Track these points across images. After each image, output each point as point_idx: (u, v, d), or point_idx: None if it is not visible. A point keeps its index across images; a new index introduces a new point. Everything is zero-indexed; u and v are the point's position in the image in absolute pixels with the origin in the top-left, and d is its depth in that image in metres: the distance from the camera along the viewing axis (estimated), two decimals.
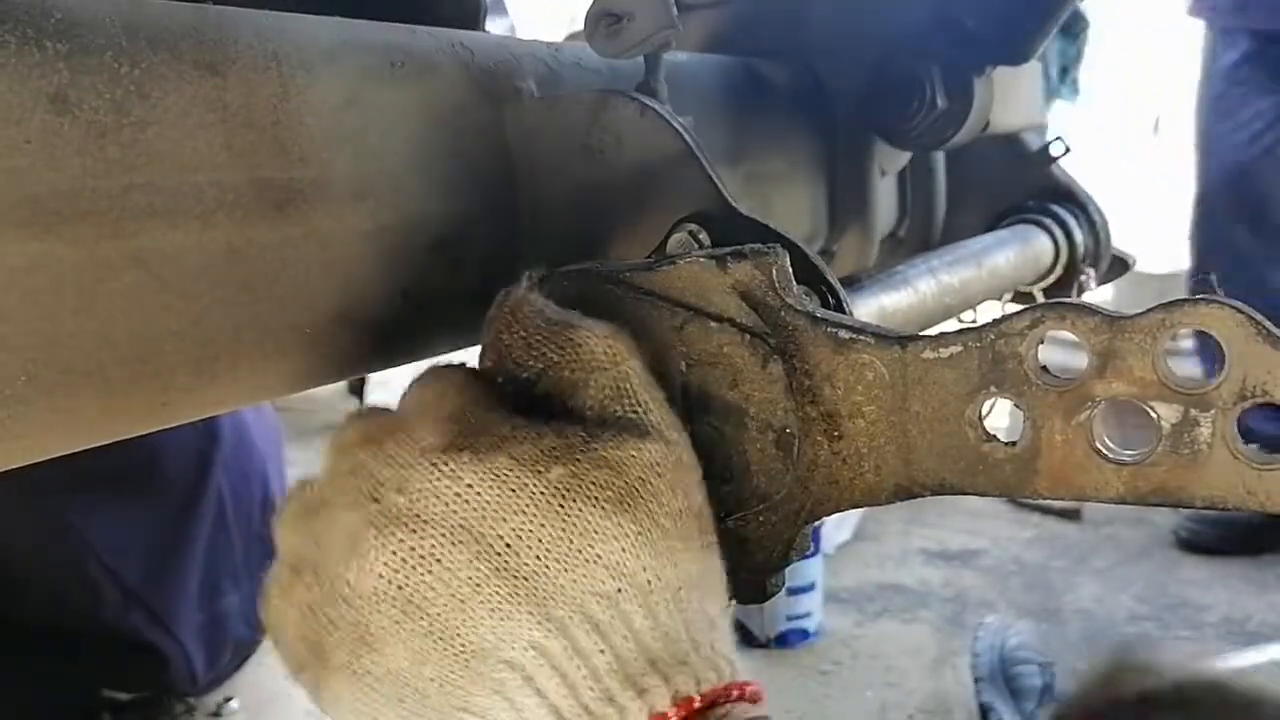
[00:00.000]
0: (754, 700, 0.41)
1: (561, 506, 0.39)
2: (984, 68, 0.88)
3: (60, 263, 0.38)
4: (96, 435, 0.43)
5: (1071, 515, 2.58)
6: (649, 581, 0.40)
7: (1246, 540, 2.30)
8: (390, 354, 0.54)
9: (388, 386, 3.14)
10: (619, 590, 0.39)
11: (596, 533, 0.39)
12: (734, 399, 0.47)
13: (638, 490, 0.40)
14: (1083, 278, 1.09)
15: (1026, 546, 2.42)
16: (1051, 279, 1.07)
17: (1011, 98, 0.93)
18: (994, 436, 0.43)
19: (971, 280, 0.85)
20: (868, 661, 1.92)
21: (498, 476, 0.39)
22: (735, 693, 0.40)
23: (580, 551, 0.39)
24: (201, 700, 1.73)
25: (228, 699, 1.74)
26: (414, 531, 0.39)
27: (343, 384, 3.33)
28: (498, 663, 0.38)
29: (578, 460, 0.40)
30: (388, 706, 0.39)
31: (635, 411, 0.42)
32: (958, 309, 0.84)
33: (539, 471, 0.39)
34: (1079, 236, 1.08)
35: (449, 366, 0.45)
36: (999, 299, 1.02)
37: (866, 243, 0.93)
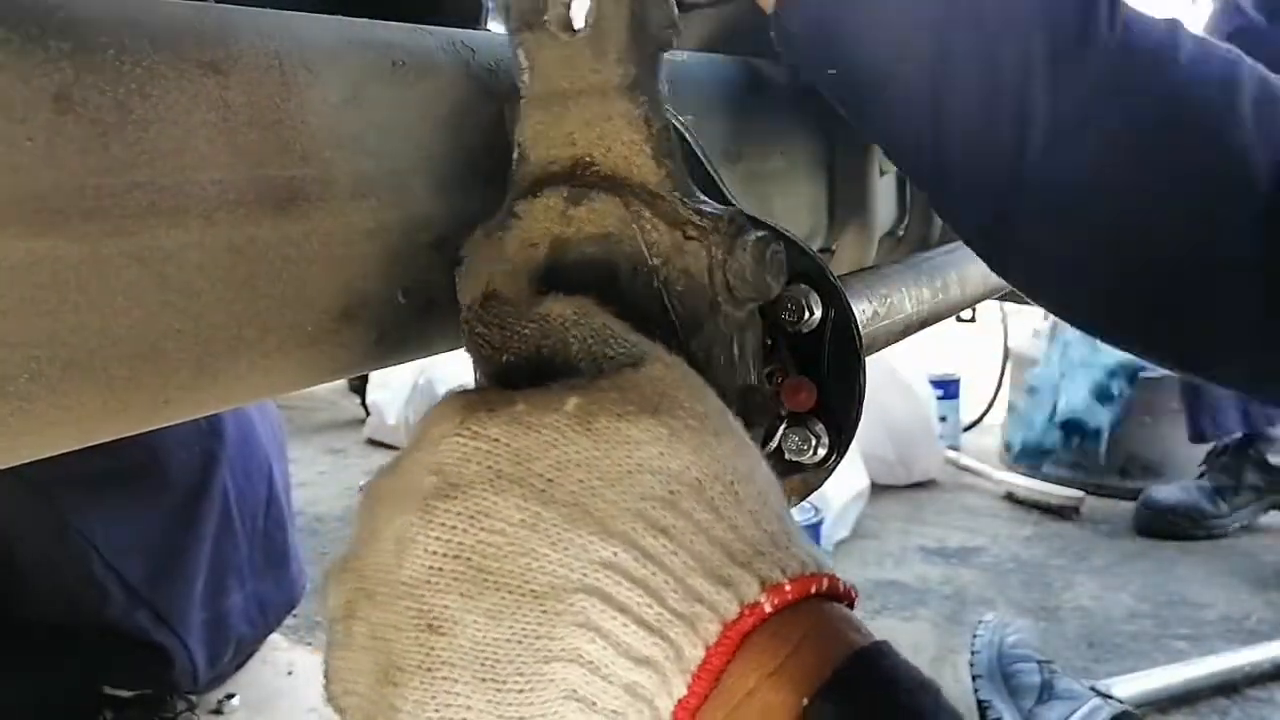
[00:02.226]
0: (850, 602, 0.40)
1: (588, 427, 0.39)
2: None
3: (62, 260, 0.38)
4: (98, 432, 0.43)
5: (1070, 513, 2.58)
6: (698, 479, 0.39)
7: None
8: (391, 352, 0.54)
9: (388, 386, 3.15)
10: (671, 492, 0.38)
11: (630, 441, 0.39)
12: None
13: (657, 400, 0.40)
14: None
15: (1025, 544, 2.43)
16: None
17: None
18: None
19: (970, 279, 0.85)
20: None
21: (519, 422, 0.39)
22: (828, 584, 0.39)
23: (620, 463, 0.38)
24: (203, 698, 1.73)
25: (229, 696, 1.74)
26: (454, 499, 0.38)
27: (344, 382, 3.34)
28: (573, 593, 0.37)
29: (587, 388, 0.40)
30: (472, 691, 0.37)
31: (624, 347, 0.43)
32: (957, 307, 0.84)
33: (556, 407, 0.39)
34: None
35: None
36: (998, 297, 1.02)
37: (866, 241, 0.93)
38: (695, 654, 0.36)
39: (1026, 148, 0.58)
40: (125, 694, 1.64)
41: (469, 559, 0.38)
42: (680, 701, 0.36)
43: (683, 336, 0.47)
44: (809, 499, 0.56)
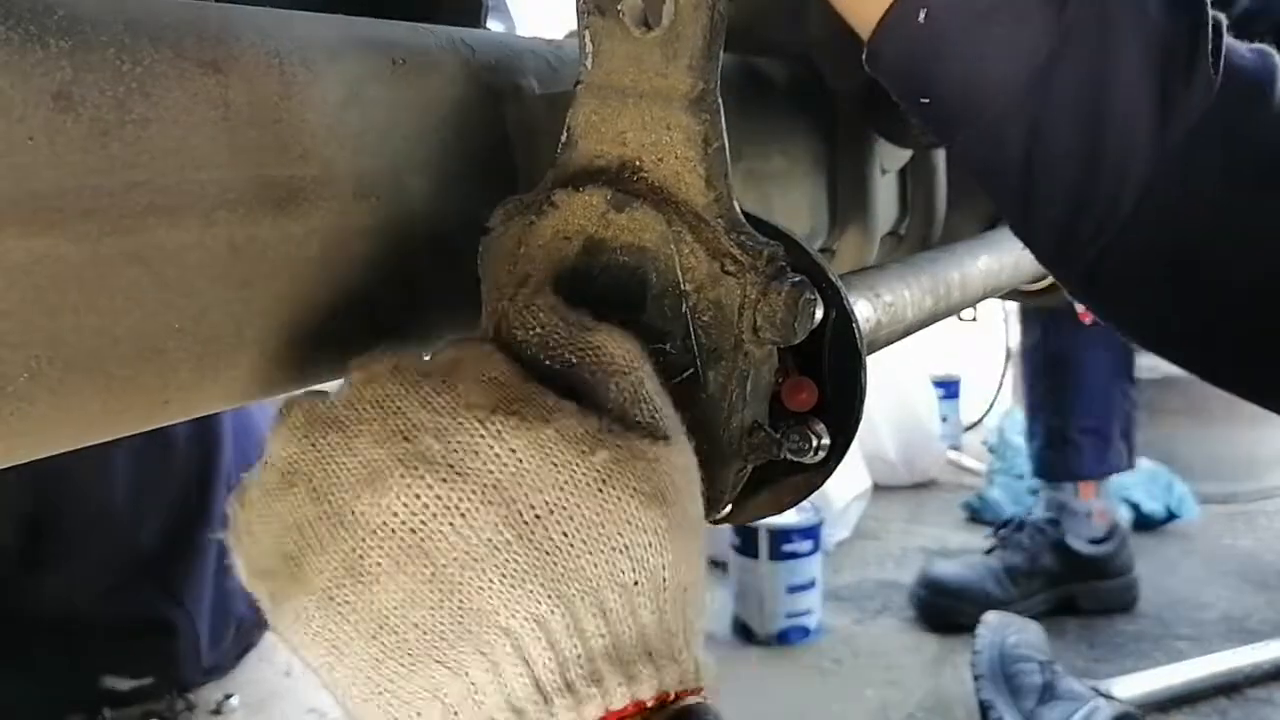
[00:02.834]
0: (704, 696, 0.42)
1: (601, 490, 0.39)
2: None
3: (62, 260, 0.38)
4: (98, 432, 0.43)
5: None
6: (664, 579, 0.40)
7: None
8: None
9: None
10: (636, 583, 0.39)
11: (630, 522, 0.39)
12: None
13: (669, 489, 0.41)
14: None
15: None
16: (1051, 278, 1.08)
17: None
18: None
19: (971, 278, 0.85)
20: (868, 659, 1.92)
21: (543, 448, 0.39)
22: (703, 693, 0.41)
23: (610, 538, 0.39)
24: (202, 697, 1.73)
25: (228, 696, 1.74)
26: (444, 480, 0.38)
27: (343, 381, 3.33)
28: (493, 626, 0.38)
29: (619, 448, 0.40)
30: (359, 640, 0.38)
31: (654, 416, 0.43)
32: (957, 307, 0.84)
33: (584, 452, 0.39)
34: None
35: (480, 338, 0.45)
36: (999, 297, 1.02)
37: (867, 241, 0.93)
38: None
39: (1124, 189, 0.58)
40: (124, 687, 1.65)
41: (420, 542, 0.38)
42: None
43: (700, 365, 0.47)
44: (809, 499, 0.56)
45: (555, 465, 0.39)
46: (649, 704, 0.38)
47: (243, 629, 1.76)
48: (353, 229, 0.49)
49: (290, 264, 0.47)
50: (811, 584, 1.99)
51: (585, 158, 0.49)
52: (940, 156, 1.03)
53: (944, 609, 2.04)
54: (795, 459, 0.51)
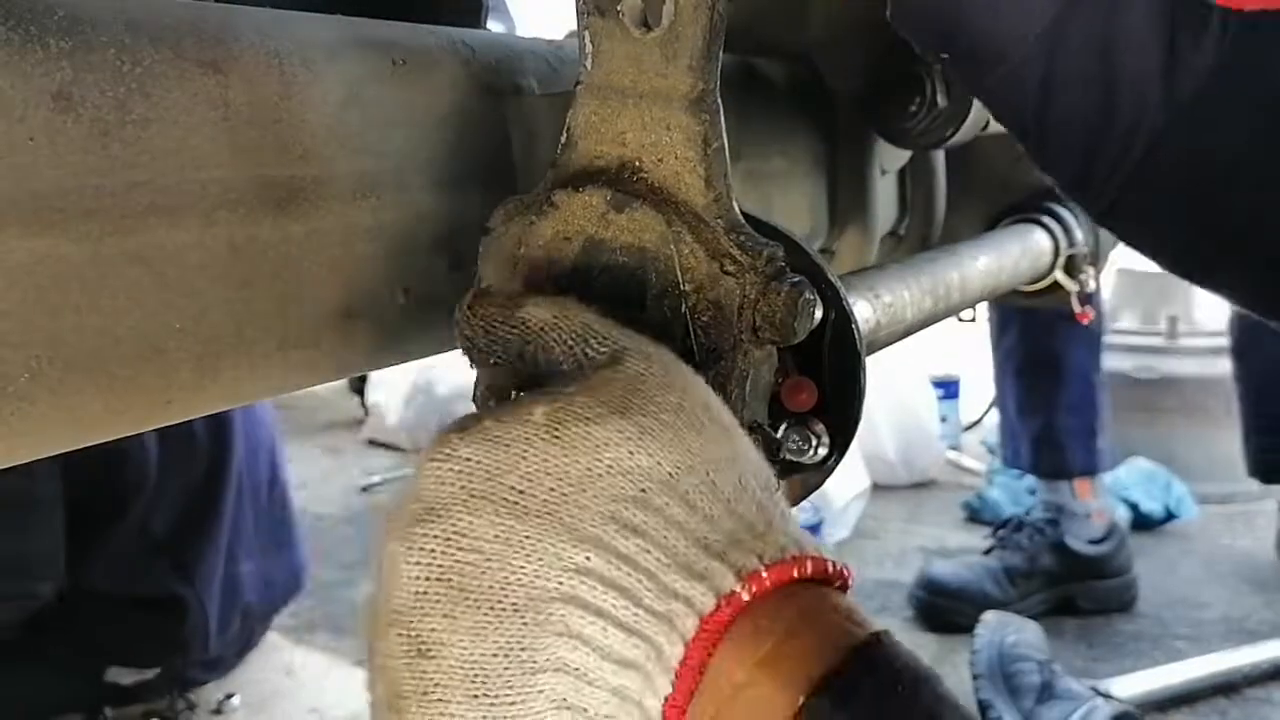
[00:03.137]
0: (844, 583, 0.40)
1: (557, 436, 0.39)
2: None
3: (63, 260, 0.38)
4: (100, 432, 0.43)
5: None
6: (670, 474, 0.39)
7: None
8: (392, 351, 0.54)
9: (388, 386, 3.15)
10: (642, 490, 0.38)
11: (598, 444, 0.39)
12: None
13: (628, 398, 0.40)
14: (1083, 276, 1.09)
15: None
16: (1051, 278, 1.08)
17: None
18: None
19: (970, 279, 0.85)
20: None
21: (488, 438, 0.39)
22: (812, 567, 0.38)
23: (590, 467, 0.39)
24: (203, 697, 1.73)
25: (229, 695, 1.74)
26: (432, 523, 0.39)
27: (344, 382, 3.34)
28: (549, 602, 0.37)
29: (556, 396, 0.40)
30: (466, 709, 0.38)
31: (606, 345, 0.43)
32: (957, 308, 0.84)
33: (526, 419, 0.39)
34: (1079, 236, 1.08)
35: None
36: (998, 298, 1.02)
37: (866, 241, 0.93)
38: (675, 651, 0.36)
39: (1136, 139, 0.61)
40: (126, 681, 1.65)
41: (449, 580, 0.38)
42: (668, 699, 0.36)
43: (700, 365, 0.47)
44: (809, 499, 0.56)
45: (507, 444, 0.39)
46: (745, 596, 0.37)
47: (249, 617, 1.77)
48: (353, 229, 0.49)
49: (290, 264, 0.47)
50: None
51: (585, 158, 0.49)
52: (939, 157, 1.03)
53: (943, 609, 2.02)
54: (795, 459, 0.51)
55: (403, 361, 0.57)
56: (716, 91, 0.47)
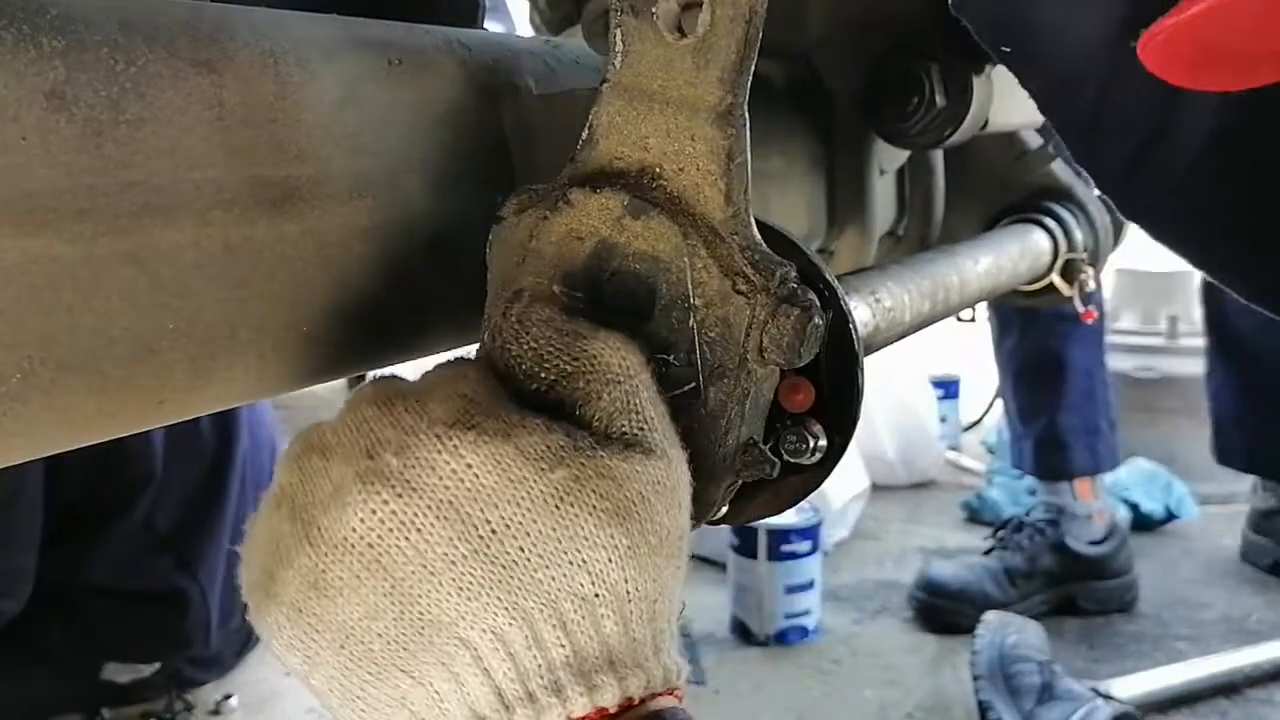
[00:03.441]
0: (679, 699, 0.42)
1: (558, 508, 0.39)
2: (983, 66, 0.88)
3: (56, 260, 0.38)
4: (93, 433, 0.43)
5: None
6: (628, 593, 0.40)
7: None
8: (387, 352, 0.54)
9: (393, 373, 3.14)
10: (596, 595, 0.40)
11: (586, 539, 0.40)
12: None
13: (635, 505, 0.41)
14: (1083, 276, 1.09)
15: None
16: (1050, 278, 1.07)
17: (1010, 96, 0.93)
18: None
19: (969, 280, 0.85)
20: (867, 659, 1.92)
21: (499, 463, 0.39)
22: (675, 691, 0.42)
23: (566, 553, 0.39)
24: (201, 697, 1.73)
25: (227, 696, 1.74)
26: (399, 495, 0.39)
27: (343, 382, 3.33)
28: (452, 638, 0.38)
29: (582, 465, 0.40)
30: (327, 650, 0.40)
31: (642, 428, 0.43)
32: (955, 308, 0.84)
33: (542, 469, 0.40)
34: (1078, 236, 1.08)
35: (469, 357, 0.46)
36: (998, 299, 1.02)
37: (865, 241, 0.93)
38: None
39: (1182, 156, 0.61)
40: (124, 679, 1.65)
41: (378, 557, 0.39)
42: None
43: (703, 380, 0.47)
44: (808, 499, 0.56)
45: (511, 481, 0.39)
46: (612, 710, 0.39)
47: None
48: (349, 229, 0.49)
49: (286, 264, 0.46)
50: (810, 584, 1.99)
51: (605, 158, 0.48)
52: (938, 157, 1.03)
53: (943, 610, 2.02)
54: (793, 460, 0.51)
55: (399, 362, 0.56)
56: (745, 106, 0.46)
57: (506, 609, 0.38)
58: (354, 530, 0.39)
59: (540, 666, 0.39)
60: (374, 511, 0.39)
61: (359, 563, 0.39)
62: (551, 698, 0.38)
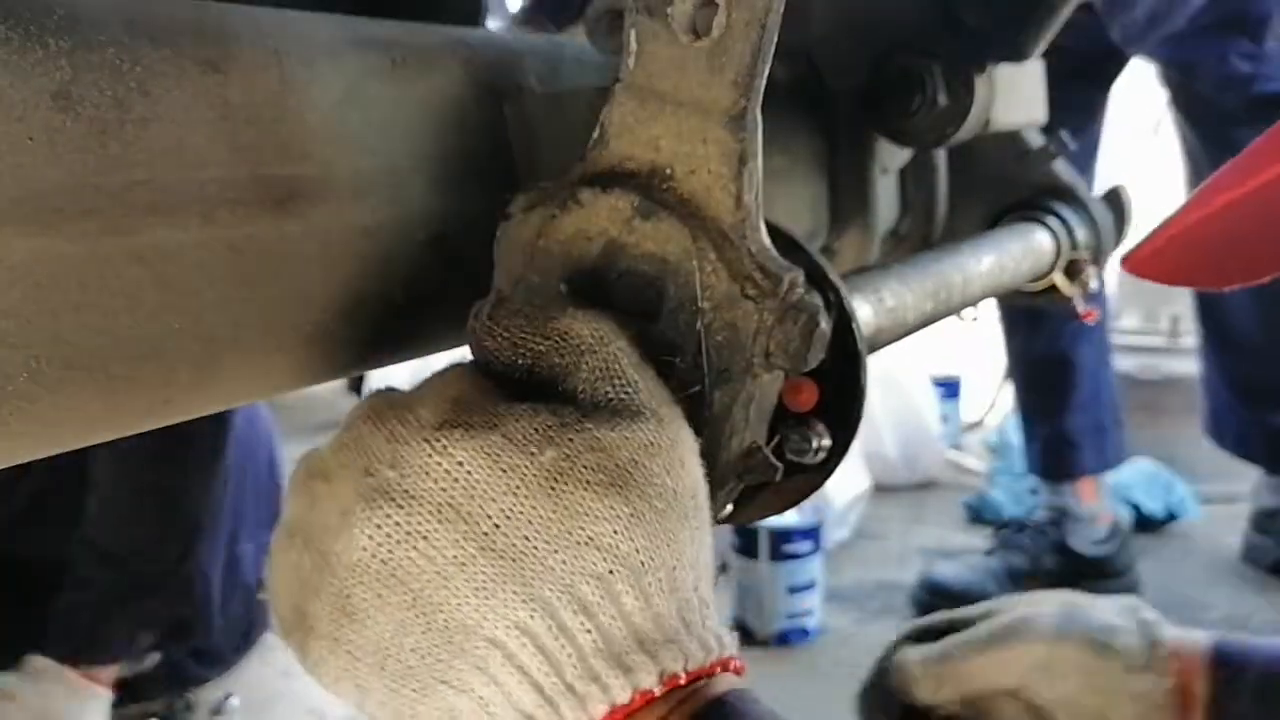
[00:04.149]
0: (738, 673, 0.42)
1: (553, 488, 0.39)
2: (985, 65, 0.88)
3: (62, 259, 0.38)
4: (98, 432, 0.43)
5: None
6: (643, 563, 0.40)
7: None
8: (390, 351, 0.54)
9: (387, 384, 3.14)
10: (610, 571, 0.39)
11: (588, 514, 0.39)
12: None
13: (630, 472, 0.40)
14: (1084, 276, 1.09)
15: None
16: (1053, 277, 1.07)
17: (1013, 95, 0.93)
18: None
19: (972, 279, 0.85)
20: (868, 660, 1.91)
21: (489, 454, 0.39)
22: (719, 669, 0.41)
23: (571, 533, 0.39)
24: (201, 697, 1.73)
25: (228, 696, 1.74)
26: (401, 507, 0.39)
27: (343, 382, 3.34)
28: (480, 639, 0.38)
29: (570, 441, 0.40)
30: (371, 674, 0.39)
31: (626, 392, 0.43)
32: (958, 307, 0.84)
33: (531, 453, 0.39)
34: (1081, 235, 1.08)
35: (460, 361, 0.46)
36: (1000, 297, 1.02)
37: (867, 240, 0.93)
38: None
39: None
40: (123, 673, 1.65)
41: (393, 571, 0.39)
42: None
43: (709, 384, 0.47)
44: (809, 499, 0.56)
45: (504, 471, 0.39)
46: (657, 693, 0.38)
47: (249, 601, 1.79)
48: (352, 228, 0.49)
49: (289, 263, 0.46)
50: (812, 585, 1.99)
51: (616, 158, 0.48)
52: (940, 156, 1.03)
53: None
54: (795, 459, 0.51)
55: (402, 360, 0.56)
56: (758, 109, 0.46)
57: (525, 601, 0.38)
58: (365, 550, 0.39)
59: (571, 656, 0.38)
60: (379, 527, 0.39)
61: (378, 581, 0.39)
62: (590, 686, 0.38)
